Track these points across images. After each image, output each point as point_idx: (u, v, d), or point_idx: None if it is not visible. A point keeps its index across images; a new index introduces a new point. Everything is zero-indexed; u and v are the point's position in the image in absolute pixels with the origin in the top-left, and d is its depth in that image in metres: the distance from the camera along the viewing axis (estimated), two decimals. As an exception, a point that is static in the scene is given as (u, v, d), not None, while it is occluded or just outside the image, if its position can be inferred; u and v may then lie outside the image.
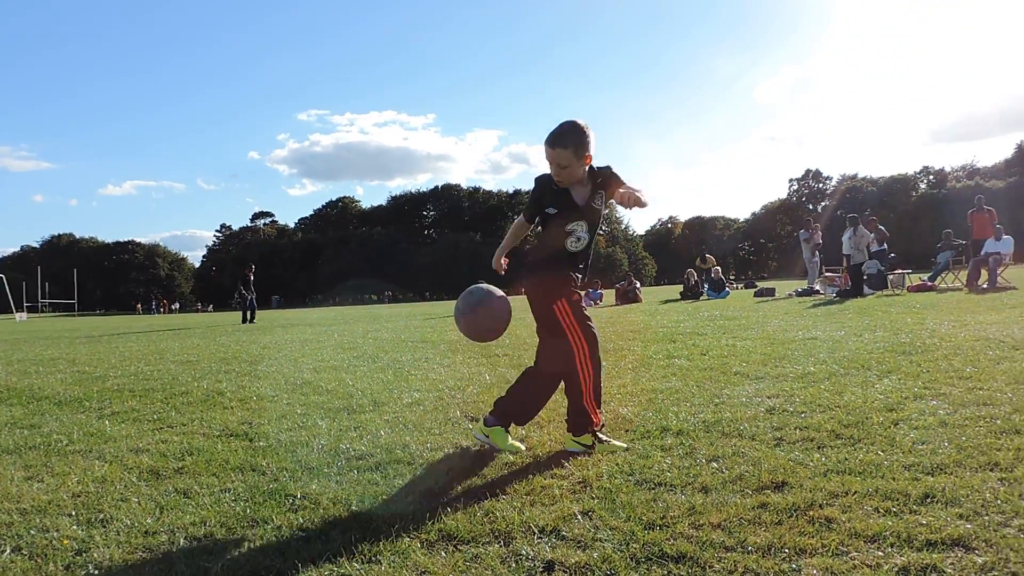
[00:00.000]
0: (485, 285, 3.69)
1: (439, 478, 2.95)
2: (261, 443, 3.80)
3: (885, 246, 17.85)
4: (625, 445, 3.35)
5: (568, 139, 3.19)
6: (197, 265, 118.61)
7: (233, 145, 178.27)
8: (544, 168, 3.36)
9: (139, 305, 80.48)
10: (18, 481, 3.26)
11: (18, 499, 2.97)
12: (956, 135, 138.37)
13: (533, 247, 3.54)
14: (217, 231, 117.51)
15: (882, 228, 18.21)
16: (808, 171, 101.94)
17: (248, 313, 20.57)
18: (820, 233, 19.87)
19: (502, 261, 3.75)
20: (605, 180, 3.36)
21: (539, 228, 3.47)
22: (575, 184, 3.32)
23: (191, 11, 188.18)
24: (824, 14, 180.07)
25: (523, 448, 3.38)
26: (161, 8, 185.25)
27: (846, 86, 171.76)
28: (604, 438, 3.37)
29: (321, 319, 21.40)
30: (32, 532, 2.55)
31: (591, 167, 3.34)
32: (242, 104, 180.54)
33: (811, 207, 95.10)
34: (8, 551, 2.39)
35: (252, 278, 20.84)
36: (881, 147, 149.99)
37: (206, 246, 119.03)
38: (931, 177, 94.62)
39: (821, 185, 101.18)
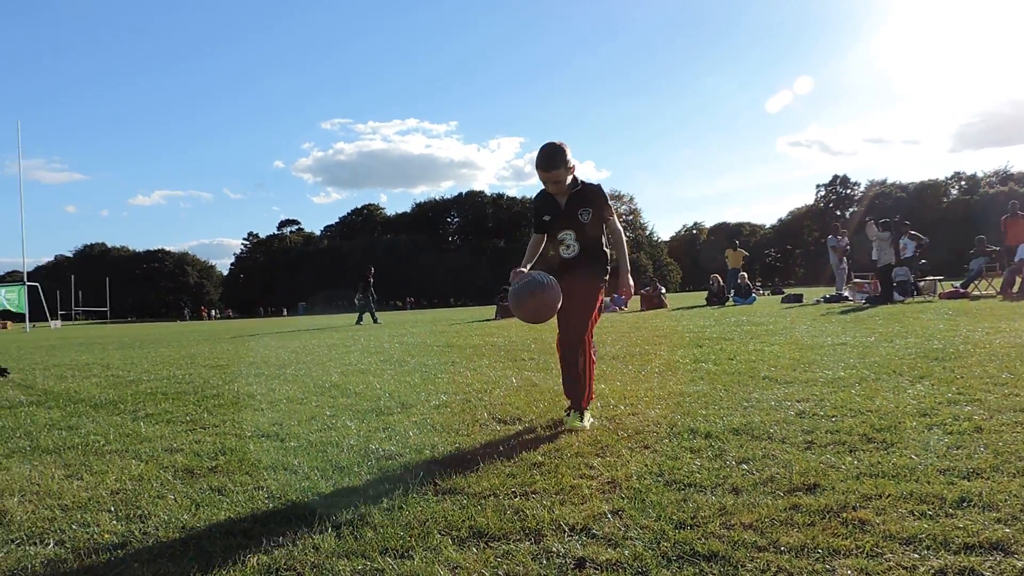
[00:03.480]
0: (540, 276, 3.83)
1: (468, 477, 2.97)
2: (292, 443, 3.85)
3: (917, 252, 17.53)
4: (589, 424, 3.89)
5: (559, 160, 3.80)
6: (225, 273, 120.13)
7: (258, 154, 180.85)
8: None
9: (205, 311, 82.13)
10: (59, 479, 3.34)
11: (59, 496, 3.04)
12: (984, 141, 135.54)
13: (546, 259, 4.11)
14: (244, 239, 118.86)
15: (917, 234, 17.85)
16: (836, 177, 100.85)
17: (366, 315, 21.17)
18: (848, 239, 19.62)
19: (523, 269, 3.96)
20: (594, 198, 3.95)
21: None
22: (562, 193, 3.96)
23: (215, 23, 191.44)
24: (839, 22, 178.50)
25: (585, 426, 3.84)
26: (186, 21, 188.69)
27: (870, 92, 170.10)
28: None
29: (348, 324, 21.58)
30: (74, 527, 2.62)
31: (577, 179, 3.97)
32: (266, 114, 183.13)
33: (839, 213, 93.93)
34: (52, 545, 2.45)
35: (372, 280, 21.19)
36: (908, 154, 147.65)
37: (234, 254, 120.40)
38: (963, 183, 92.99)
39: (849, 191, 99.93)
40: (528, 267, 4.03)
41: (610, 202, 3.98)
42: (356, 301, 22.26)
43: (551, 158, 3.80)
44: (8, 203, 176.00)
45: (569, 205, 3.95)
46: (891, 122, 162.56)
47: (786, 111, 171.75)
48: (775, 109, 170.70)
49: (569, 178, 3.90)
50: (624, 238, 4.05)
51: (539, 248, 4.18)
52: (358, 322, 21.05)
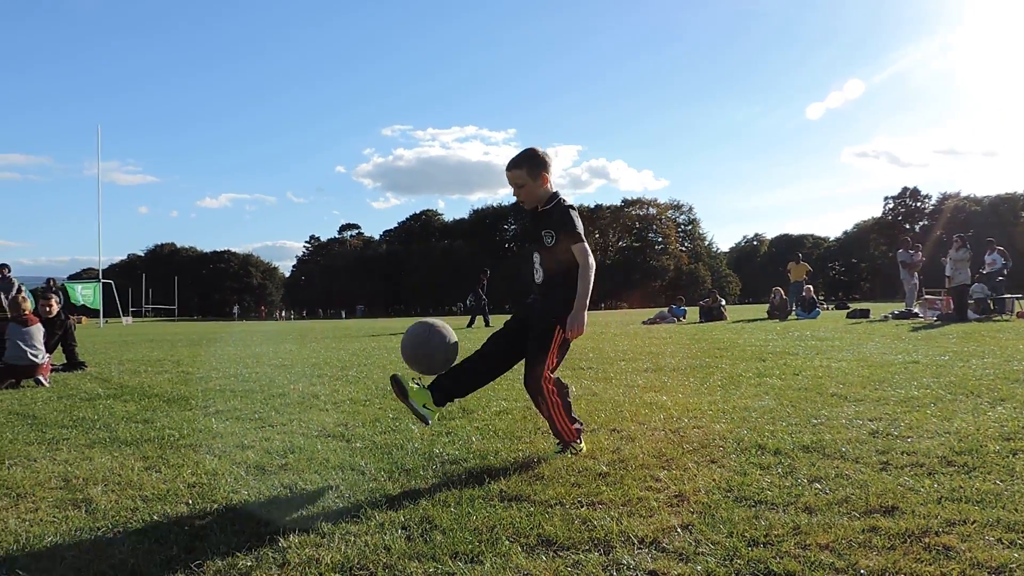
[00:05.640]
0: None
1: (534, 485, 2.98)
2: (358, 444, 3.93)
3: (1000, 267, 16.71)
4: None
5: (524, 161, 3.45)
6: (287, 275, 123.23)
7: (321, 160, 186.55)
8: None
9: (277, 311, 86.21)
10: (138, 471, 3.48)
11: (140, 487, 3.17)
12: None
13: None
14: (306, 242, 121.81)
15: (1002, 249, 17.03)
16: (905, 189, 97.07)
17: (481, 318, 20.80)
18: (921, 254, 18.88)
19: None
20: (553, 223, 3.44)
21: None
22: (534, 205, 3.55)
23: (279, 31, 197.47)
24: (908, 30, 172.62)
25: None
26: (251, 32, 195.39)
27: (939, 101, 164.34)
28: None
29: (406, 328, 21.88)
30: (154, 518, 2.73)
31: (553, 197, 3.51)
32: (329, 120, 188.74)
33: (908, 226, 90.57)
34: (134, 535, 2.55)
35: (486, 283, 21.23)
36: (981, 166, 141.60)
37: (296, 256, 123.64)
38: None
39: (919, 204, 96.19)
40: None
41: (578, 227, 3.40)
42: (468, 303, 22.04)
43: (516, 158, 3.47)
44: (87, 204, 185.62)
45: (534, 223, 3.55)
46: (963, 133, 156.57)
47: (852, 120, 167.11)
48: (827, 110, 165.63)
49: (540, 191, 3.48)
50: (591, 270, 3.39)
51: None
52: (469, 325, 20.48)
